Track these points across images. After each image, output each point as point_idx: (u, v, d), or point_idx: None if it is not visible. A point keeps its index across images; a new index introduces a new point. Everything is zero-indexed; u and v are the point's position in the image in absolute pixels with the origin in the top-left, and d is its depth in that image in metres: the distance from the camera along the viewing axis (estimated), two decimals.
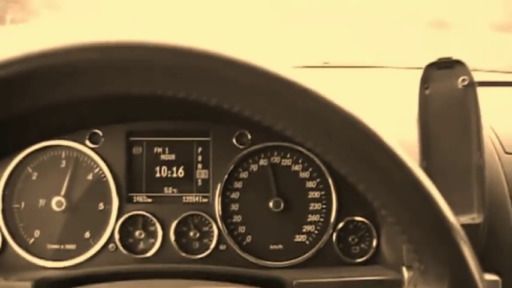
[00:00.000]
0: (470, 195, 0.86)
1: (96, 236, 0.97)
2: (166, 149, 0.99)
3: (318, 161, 0.98)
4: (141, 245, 0.98)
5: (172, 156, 0.99)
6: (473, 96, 0.87)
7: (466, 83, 0.87)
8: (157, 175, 0.99)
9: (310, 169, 0.99)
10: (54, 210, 0.97)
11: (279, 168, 0.98)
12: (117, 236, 0.97)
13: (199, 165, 0.99)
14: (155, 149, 0.99)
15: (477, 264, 0.49)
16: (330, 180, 0.98)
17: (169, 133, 0.99)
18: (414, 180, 0.49)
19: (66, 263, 0.97)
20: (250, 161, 0.98)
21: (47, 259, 0.97)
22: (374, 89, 1.20)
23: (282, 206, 0.97)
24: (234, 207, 0.98)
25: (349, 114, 0.48)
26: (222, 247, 0.98)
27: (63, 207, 0.97)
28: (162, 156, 0.99)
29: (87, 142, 0.98)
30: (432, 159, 0.88)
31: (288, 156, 0.99)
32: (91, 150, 0.98)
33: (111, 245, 0.97)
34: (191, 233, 0.98)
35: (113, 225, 0.97)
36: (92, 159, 0.98)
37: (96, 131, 0.98)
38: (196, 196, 0.99)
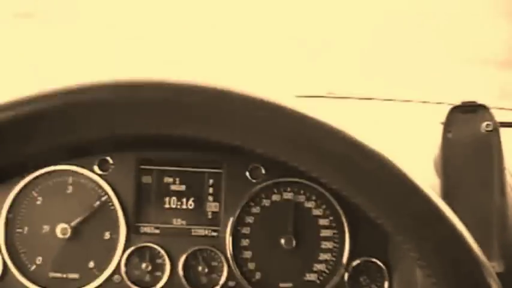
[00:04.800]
0: (492, 243, 0.84)
1: (101, 267, 0.94)
2: (177, 179, 0.97)
3: (332, 199, 0.96)
4: (148, 278, 0.95)
5: (183, 187, 0.97)
6: (496, 142, 0.85)
7: (490, 128, 0.85)
8: (167, 206, 0.96)
9: (324, 207, 0.96)
10: (58, 238, 0.94)
11: (292, 205, 0.96)
12: (123, 268, 0.94)
13: (210, 198, 0.96)
14: (165, 179, 0.97)
15: None
16: (343, 219, 0.95)
17: (180, 163, 0.97)
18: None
19: None
20: (263, 196, 0.96)
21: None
22: (382, 122, 1.17)
23: (294, 243, 0.94)
24: (245, 242, 0.96)
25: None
26: (231, 283, 0.95)
27: (67, 235, 0.94)
28: (172, 187, 0.97)
29: (96, 168, 0.95)
30: (452, 204, 0.86)
31: (302, 192, 0.96)
32: (99, 177, 0.95)
33: (116, 277, 0.94)
34: (200, 268, 0.95)
35: (119, 256, 0.94)
36: (100, 187, 0.95)
37: (106, 157, 0.95)
38: (206, 229, 0.96)
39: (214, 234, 0.96)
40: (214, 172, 0.96)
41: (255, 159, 0.95)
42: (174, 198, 0.96)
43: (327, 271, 0.96)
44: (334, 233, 0.96)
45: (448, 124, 0.86)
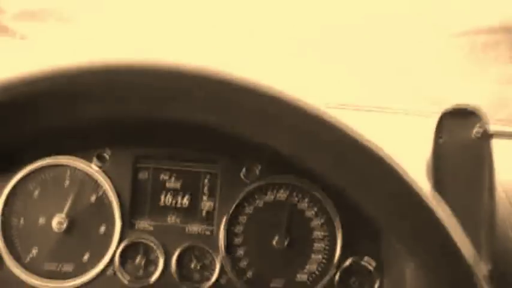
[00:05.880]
0: (481, 245, 0.85)
1: (95, 260, 0.96)
2: (173, 176, 0.98)
3: (324, 201, 0.97)
4: (141, 273, 0.96)
5: (178, 185, 0.98)
6: (488, 147, 0.86)
7: (480, 134, 0.87)
8: (162, 202, 0.98)
9: (316, 207, 0.97)
10: (53, 229, 0.95)
11: (285, 205, 0.97)
12: (117, 261, 0.95)
13: (205, 196, 0.98)
14: (161, 176, 0.98)
15: None
16: (335, 220, 0.97)
17: (177, 161, 0.98)
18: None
19: (63, 284, 0.95)
20: (257, 195, 0.97)
21: (42, 278, 0.95)
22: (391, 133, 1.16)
23: (286, 243, 0.96)
24: (238, 241, 0.97)
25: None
26: (223, 280, 0.96)
27: (63, 227, 0.95)
28: (168, 184, 0.98)
29: (94, 162, 0.97)
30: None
31: (295, 193, 0.98)
32: (97, 170, 0.96)
33: (109, 270, 0.95)
34: (192, 264, 0.96)
35: (113, 249, 0.95)
36: (97, 180, 0.96)
37: (104, 151, 0.97)
38: (199, 227, 0.97)
39: (208, 231, 0.97)
40: (210, 171, 0.98)
41: (251, 159, 0.97)
42: (169, 195, 0.98)
43: (317, 271, 0.97)
44: (326, 234, 0.97)
45: (440, 128, 0.88)
